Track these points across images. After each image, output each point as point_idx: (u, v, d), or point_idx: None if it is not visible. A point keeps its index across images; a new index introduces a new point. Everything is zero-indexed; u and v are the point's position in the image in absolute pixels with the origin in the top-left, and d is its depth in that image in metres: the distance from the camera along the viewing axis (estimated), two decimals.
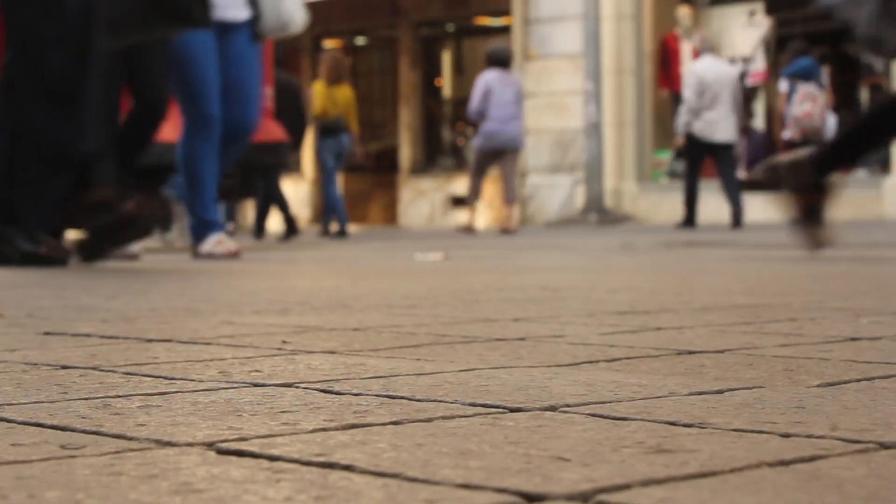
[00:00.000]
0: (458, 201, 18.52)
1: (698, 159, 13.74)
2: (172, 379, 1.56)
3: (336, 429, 1.17)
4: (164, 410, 1.29)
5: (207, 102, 6.36)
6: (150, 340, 2.05)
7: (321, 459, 1.01)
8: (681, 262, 5.50)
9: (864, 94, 17.48)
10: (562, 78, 18.11)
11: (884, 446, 1.06)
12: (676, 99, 15.33)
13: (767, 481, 0.92)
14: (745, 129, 17.11)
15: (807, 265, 4.99)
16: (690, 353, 1.81)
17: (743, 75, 17.82)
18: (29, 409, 1.31)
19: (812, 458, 1.00)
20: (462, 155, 19.64)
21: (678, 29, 17.86)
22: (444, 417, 1.23)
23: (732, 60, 17.71)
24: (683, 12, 17.76)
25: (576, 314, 2.52)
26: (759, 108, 17.94)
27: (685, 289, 3.40)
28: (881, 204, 15.76)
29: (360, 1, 21.08)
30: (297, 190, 19.72)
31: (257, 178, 11.04)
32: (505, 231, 13.32)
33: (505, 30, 19.39)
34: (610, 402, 1.32)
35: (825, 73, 15.15)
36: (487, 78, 13.43)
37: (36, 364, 1.73)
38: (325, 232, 13.60)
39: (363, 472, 0.96)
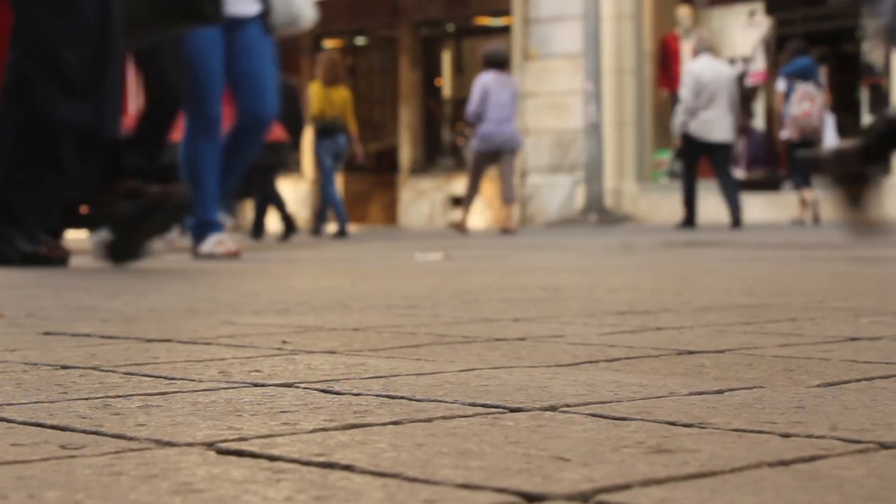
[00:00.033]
0: (458, 201, 18.52)
1: (695, 159, 13.75)
2: (172, 379, 1.56)
3: (336, 429, 1.17)
4: (164, 410, 1.29)
5: (210, 103, 6.36)
6: (150, 340, 2.05)
7: (321, 459, 1.01)
8: (681, 262, 5.50)
9: (864, 94, 17.48)
10: (562, 78, 18.11)
11: (884, 446, 1.06)
12: (676, 99, 15.33)
13: (767, 481, 0.92)
14: (745, 129, 17.13)
15: (807, 265, 4.99)
16: (690, 353, 1.81)
17: (743, 75, 17.83)
18: (29, 409, 1.31)
19: (812, 458, 1.00)
20: (462, 155, 19.63)
21: (678, 29, 17.87)
22: (444, 417, 1.23)
23: (732, 60, 17.72)
24: (683, 12, 17.76)
25: (576, 314, 2.52)
26: (759, 108, 17.95)
27: (685, 289, 3.40)
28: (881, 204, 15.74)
29: (360, 1, 21.09)
30: (296, 190, 19.72)
31: (258, 177, 11.05)
32: (505, 231, 13.33)
33: (505, 30, 19.40)
34: (610, 402, 1.32)
35: (823, 72, 15.15)
36: (485, 80, 13.48)
37: (36, 364, 1.73)
38: (316, 231, 13.61)
39: (363, 472, 0.96)
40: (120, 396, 1.40)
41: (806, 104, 13.95)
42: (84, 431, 1.17)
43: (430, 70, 21.74)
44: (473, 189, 13.74)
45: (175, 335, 2.13)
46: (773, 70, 17.12)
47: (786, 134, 14.21)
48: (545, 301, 2.90)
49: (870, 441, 1.08)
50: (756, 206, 16.17)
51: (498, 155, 13.48)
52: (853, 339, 1.97)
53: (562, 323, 2.32)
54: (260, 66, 6.62)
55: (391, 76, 22.03)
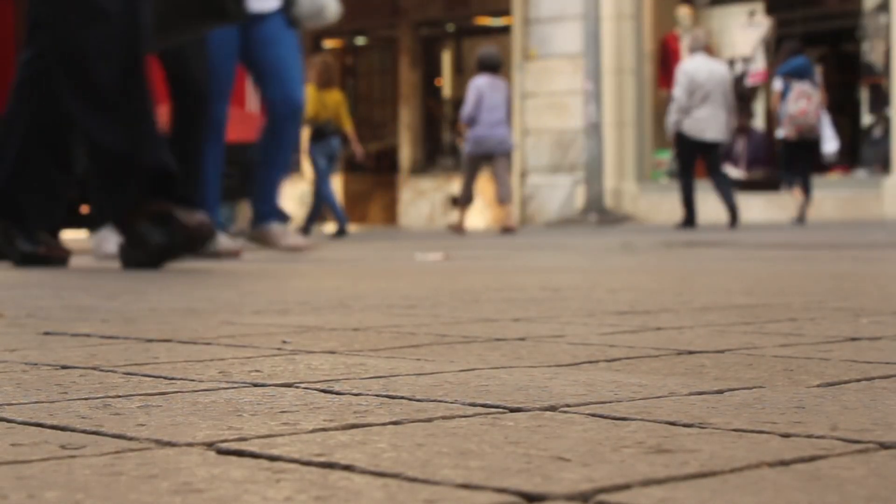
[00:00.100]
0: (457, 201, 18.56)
1: (690, 158, 13.76)
2: (172, 379, 1.56)
3: (336, 429, 1.17)
4: (164, 410, 1.29)
5: (217, 105, 6.36)
6: (150, 340, 2.05)
7: (321, 459, 1.01)
8: (681, 262, 5.50)
9: (864, 94, 17.48)
10: (562, 78, 18.11)
11: (884, 446, 1.06)
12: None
13: (767, 481, 0.92)
14: (745, 129, 17.13)
15: (807, 265, 4.99)
16: (690, 353, 1.81)
17: (743, 75, 17.83)
18: (29, 409, 1.31)
19: (812, 458, 1.00)
20: (461, 155, 19.66)
21: (678, 29, 17.87)
22: (444, 417, 1.23)
23: (732, 60, 17.72)
24: (683, 12, 17.77)
25: (576, 314, 2.52)
26: (759, 108, 17.95)
27: (685, 289, 3.40)
28: (881, 204, 15.76)
29: (360, 1, 21.09)
30: (295, 189, 19.73)
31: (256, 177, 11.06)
32: (506, 230, 13.35)
33: (505, 30, 19.40)
34: (610, 402, 1.32)
35: (818, 72, 15.16)
36: (478, 83, 13.57)
37: (36, 364, 1.73)
38: (306, 231, 13.63)
39: (363, 472, 0.96)
40: (120, 396, 1.40)
41: (803, 102, 13.95)
42: (84, 431, 1.17)
43: (430, 70, 21.74)
44: (468, 190, 13.81)
45: (175, 335, 2.13)
46: (772, 70, 17.13)
47: (782, 132, 14.21)
48: (545, 301, 2.90)
49: (870, 441, 1.08)
50: (756, 206, 16.17)
51: (491, 157, 13.55)
52: (853, 339, 1.97)
53: (562, 323, 2.32)
54: (283, 54, 6.61)
55: (391, 76, 22.02)
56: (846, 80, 17.80)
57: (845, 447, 1.05)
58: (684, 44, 16.63)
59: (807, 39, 16.90)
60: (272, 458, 1.02)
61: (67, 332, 2.21)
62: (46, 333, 2.19)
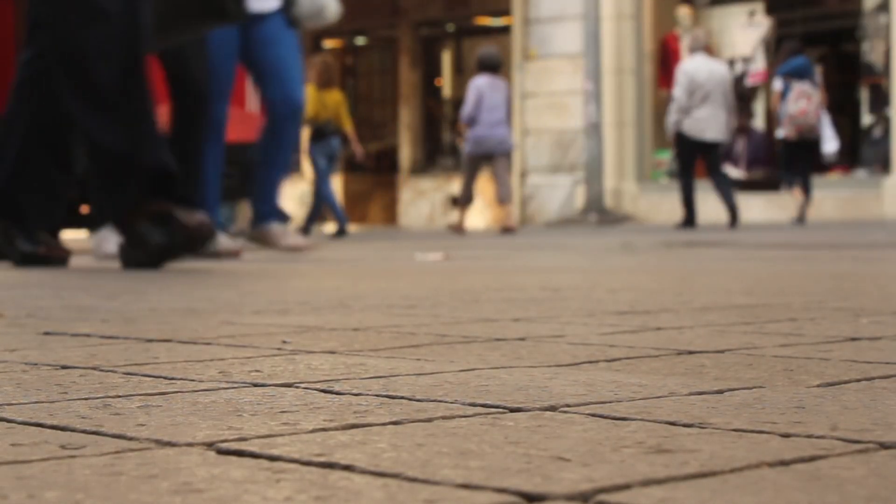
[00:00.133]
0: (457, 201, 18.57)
1: (690, 158, 13.78)
2: (172, 379, 1.56)
3: (336, 429, 1.17)
4: (164, 410, 1.29)
5: (217, 105, 6.36)
6: (150, 340, 2.05)
7: (321, 459, 1.01)
8: (681, 262, 5.50)
9: (864, 94, 17.49)
10: (562, 78, 18.11)
11: (884, 446, 1.06)
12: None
13: (767, 481, 0.92)
14: (745, 129, 17.14)
15: (807, 265, 4.99)
16: (690, 353, 1.81)
17: (743, 75, 17.83)
18: (29, 409, 1.31)
19: (812, 458, 1.00)
20: (461, 155, 19.67)
21: (678, 29, 17.87)
22: (444, 417, 1.23)
23: (732, 61, 17.72)
24: (683, 12, 17.77)
25: (576, 314, 2.52)
26: (759, 108, 17.95)
27: (685, 289, 3.40)
28: (881, 204, 15.76)
29: (360, 1, 21.09)
30: (295, 190, 19.73)
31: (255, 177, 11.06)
32: (506, 230, 13.36)
33: (505, 30, 19.41)
34: (610, 402, 1.32)
35: (818, 72, 15.17)
36: (478, 83, 13.59)
37: (36, 364, 1.73)
38: (306, 231, 13.64)
39: (363, 472, 0.96)
40: (120, 396, 1.40)
41: (803, 102, 13.96)
42: (84, 431, 1.17)
43: (430, 70, 21.74)
44: (468, 190, 13.82)
45: (175, 335, 2.13)
46: (772, 70, 17.14)
47: (782, 132, 14.21)
48: (545, 301, 2.90)
49: (870, 441, 1.08)
50: (756, 206, 16.18)
51: (491, 157, 13.56)
52: (853, 339, 1.97)
53: (562, 323, 2.32)
54: (283, 54, 6.60)
55: (391, 76, 22.02)
56: (846, 80, 17.80)
57: (845, 447, 1.05)
58: (684, 44, 16.64)
59: (807, 39, 16.89)
60: (272, 458, 1.02)
61: (67, 332, 2.21)
62: (46, 333, 2.19)
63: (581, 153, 17.43)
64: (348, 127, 14.11)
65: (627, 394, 1.38)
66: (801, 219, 14.06)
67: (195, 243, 4.75)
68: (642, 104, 18.02)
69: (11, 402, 1.37)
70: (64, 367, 1.69)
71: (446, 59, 21.74)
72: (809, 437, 1.10)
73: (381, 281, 4.09)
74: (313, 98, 13.59)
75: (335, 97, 13.97)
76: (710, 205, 14.70)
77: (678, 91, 13.73)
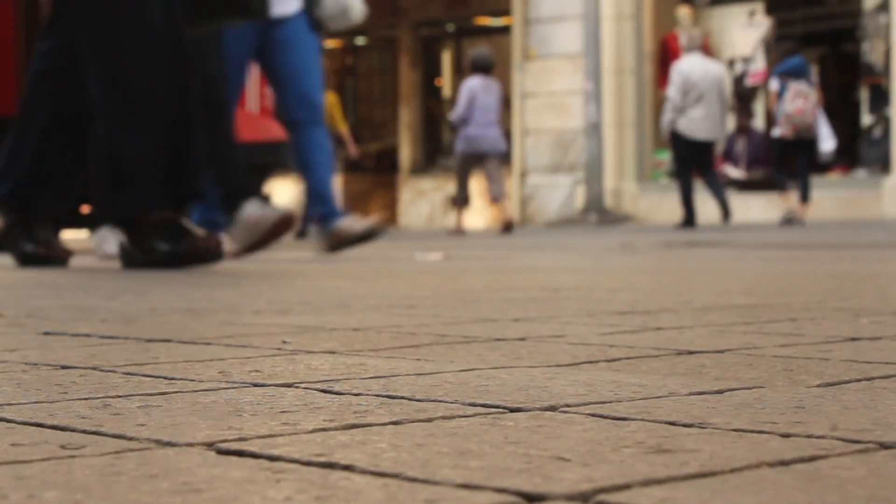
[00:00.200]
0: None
1: (686, 157, 13.81)
2: (172, 379, 1.56)
3: (336, 429, 1.17)
4: (164, 410, 1.29)
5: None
6: (150, 340, 2.05)
7: (321, 459, 1.01)
8: (681, 262, 5.50)
9: (864, 94, 17.49)
10: (562, 78, 18.11)
11: (884, 446, 1.06)
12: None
13: (767, 481, 0.92)
14: (745, 129, 17.14)
15: (807, 265, 4.99)
16: (690, 353, 1.81)
17: (743, 75, 17.83)
18: (29, 409, 1.31)
19: (812, 458, 1.00)
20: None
21: (678, 29, 17.87)
22: (444, 417, 1.23)
23: (732, 61, 17.72)
24: (683, 12, 17.77)
25: (576, 314, 2.52)
26: (759, 108, 17.96)
27: (685, 289, 3.40)
28: (881, 204, 15.76)
29: None
30: (293, 190, 19.76)
31: (258, 177, 11.06)
32: (506, 225, 13.39)
33: (505, 30, 19.41)
34: (610, 402, 1.32)
35: (814, 71, 15.18)
36: (471, 84, 13.62)
37: (36, 364, 1.73)
38: (302, 233, 13.65)
39: (363, 472, 0.96)
40: (120, 396, 1.40)
41: (799, 102, 13.98)
42: (84, 431, 1.17)
43: (430, 70, 21.74)
44: (463, 190, 13.85)
45: (175, 335, 2.13)
46: (772, 70, 17.17)
47: (778, 131, 14.23)
48: (545, 301, 2.90)
49: (870, 441, 1.08)
50: (756, 206, 16.18)
51: (483, 158, 13.59)
52: (853, 339, 1.97)
53: (562, 323, 2.32)
54: (302, 57, 6.58)
55: (391, 76, 22.03)
56: (846, 80, 17.80)
57: (845, 447, 1.05)
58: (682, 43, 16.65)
59: (807, 39, 16.89)
60: (272, 458, 1.02)
61: (67, 332, 2.21)
62: (46, 333, 2.19)
63: (581, 153, 17.43)
64: (343, 129, 14.14)
65: (627, 394, 1.38)
66: (788, 221, 14.07)
67: (199, 261, 4.74)
68: (642, 104, 18.02)
69: (11, 402, 1.37)
70: (64, 367, 1.69)
71: (446, 59, 21.75)
72: (809, 437, 1.10)
73: (381, 281, 4.09)
74: None
75: (329, 99, 14.01)
76: (709, 205, 14.71)
77: (672, 90, 13.77)
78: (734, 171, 16.90)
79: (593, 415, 1.24)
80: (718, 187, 13.81)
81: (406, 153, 21.19)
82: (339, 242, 6.55)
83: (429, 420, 1.22)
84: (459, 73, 21.21)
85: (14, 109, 8.76)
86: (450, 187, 19.86)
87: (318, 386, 1.47)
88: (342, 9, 6.77)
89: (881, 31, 16.81)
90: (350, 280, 4.10)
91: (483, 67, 13.75)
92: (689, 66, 13.76)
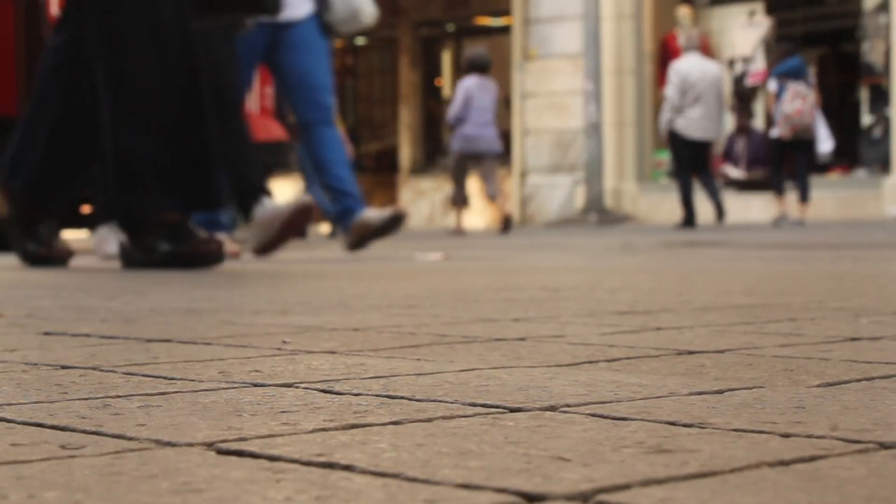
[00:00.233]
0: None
1: (685, 157, 13.83)
2: (172, 379, 1.56)
3: (336, 429, 1.17)
4: (164, 410, 1.29)
5: None
6: (150, 340, 2.05)
7: (321, 459, 1.01)
8: (681, 262, 5.51)
9: (864, 94, 17.49)
10: (562, 78, 18.12)
11: (884, 446, 1.06)
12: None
13: (767, 481, 0.92)
14: (745, 129, 17.14)
15: (807, 265, 4.99)
16: (690, 353, 1.81)
17: (743, 75, 17.83)
18: (29, 409, 1.31)
19: (812, 458, 1.00)
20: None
21: (678, 29, 17.88)
22: (444, 417, 1.23)
23: (732, 61, 17.72)
24: (683, 12, 17.78)
25: (576, 314, 2.52)
26: (759, 108, 17.96)
27: (685, 289, 3.40)
28: (881, 204, 15.76)
29: None
30: (292, 190, 19.75)
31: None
32: (505, 221, 13.42)
33: (505, 30, 19.41)
34: (610, 402, 1.32)
35: (812, 73, 15.20)
36: (467, 84, 13.63)
37: (36, 364, 1.73)
38: (301, 234, 13.66)
39: (363, 472, 0.96)
40: (120, 396, 1.40)
41: (798, 102, 14.00)
42: (84, 431, 1.17)
43: (430, 70, 21.74)
44: (461, 189, 13.86)
45: (175, 335, 2.13)
46: (770, 71, 17.18)
47: (777, 132, 14.24)
48: (545, 301, 2.90)
49: (870, 441, 1.08)
50: (756, 206, 16.18)
51: (478, 158, 13.60)
52: (853, 339, 1.97)
53: (562, 323, 2.32)
54: (310, 59, 6.59)
55: (391, 76, 22.02)
56: (846, 80, 17.80)
57: (845, 447, 1.05)
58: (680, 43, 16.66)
59: (807, 39, 16.89)
60: (272, 458, 1.02)
61: (67, 332, 2.21)
62: (46, 333, 2.19)
63: (581, 153, 17.43)
64: (339, 128, 14.16)
65: (627, 394, 1.38)
66: (777, 223, 14.11)
67: (201, 262, 4.73)
68: (642, 104, 18.02)
69: (11, 402, 1.37)
70: (64, 367, 1.69)
71: (446, 59, 21.75)
72: (809, 437, 1.10)
73: (381, 281, 4.09)
74: None
75: None
76: (709, 205, 14.72)
77: (670, 90, 13.79)
78: (734, 171, 16.90)
79: (593, 415, 1.24)
80: (714, 188, 13.89)
81: (406, 153, 21.19)
82: (363, 236, 6.55)
83: (429, 420, 1.22)
84: (459, 73, 21.21)
85: (14, 109, 8.75)
86: (450, 187, 19.88)
87: (318, 386, 1.47)
88: (353, 12, 6.78)
89: (881, 31, 16.81)
90: (350, 280, 4.10)
91: (479, 67, 13.74)
92: (686, 66, 13.77)
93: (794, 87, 14.05)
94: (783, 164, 14.43)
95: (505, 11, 19.30)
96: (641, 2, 17.89)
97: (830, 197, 16.02)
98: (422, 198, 20.52)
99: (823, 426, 1.16)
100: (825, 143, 14.44)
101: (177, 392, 1.43)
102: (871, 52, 17.06)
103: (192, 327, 2.29)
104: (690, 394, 1.38)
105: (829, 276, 4.09)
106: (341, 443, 1.09)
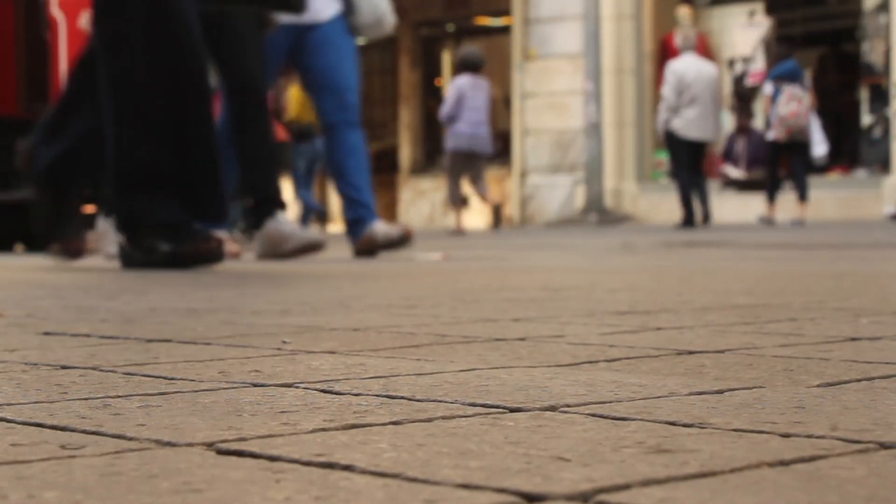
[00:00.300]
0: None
1: (682, 156, 13.85)
2: (172, 379, 1.56)
3: (336, 429, 1.17)
4: (164, 410, 1.29)
5: None
6: (150, 340, 2.05)
7: (321, 459, 1.01)
8: (681, 262, 5.51)
9: (864, 94, 17.49)
10: (562, 78, 18.12)
11: (884, 446, 1.06)
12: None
13: (767, 481, 0.92)
14: (745, 129, 17.15)
15: (807, 265, 4.99)
16: (690, 353, 1.81)
17: (743, 75, 17.83)
18: (29, 409, 1.31)
19: (812, 458, 1.00)
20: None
21: (678, 29, 17.88)
22: (444, 417, 1.23)
23: (732, 60, 17.72)
24: (683, 12, 17.78)
25: (576, 314, 2.52)
26: (759, 107, 17.96)
27: (685, 289, 3.40)
28: (881, 204, 15.77)
29: None
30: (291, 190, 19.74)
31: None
32: (496, 210, 13.51)
33: (505, 30, 19.41)
34: (610, 402, 1.32)
35: (808, 75, 15.22)
36: (460, 83, 13.64)
37: (36, 364, 1.73)
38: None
39: (363, 472, 0.96)
40: (120, 396, 1.40)
41: (793, 105, 14.02)
42: (84, 431, 1.17)
43: (430, 70, 21.74)
44: (457, 188, 13.87)
45: (175, 335, 2.13)
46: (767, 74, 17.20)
47: (772, 134, 14.26)
48: (545, 301, 2.90)
49: (870, 441, 1.08)
50: (756, 206, 16.19)
51: (472, 157, 13.61)
52: (853, 339, 1.97)
53: (562, 323, 2.32)
54: (336, 59, 6.59)
55: (391, 76, 22.02)
56: (846, 80, 17.80)
57: (845, 447, 1.05)
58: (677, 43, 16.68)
59: (807, 39, 16.89)
60: (272, 458, 1.02)
61: (67, 332, 2.21)
62: (46, 333, 2.19)
63: (581, 153, 17.43)
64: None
65: (627, 394, 1.38)
66: (768, 221, 14.15)
67: (201, 262, 4.73)
68: (642, 104, 18.02)
69: (11, 402, 1.37)
70: (64, 367, 1.69)
71: (446, 59, 21.75)
72: (809, 437, 1.10)
73: (381, 281, 4.09)
74: (297, 100, 13.61)
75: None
76: (709, 205, 14.73)
77: (667, 90, 13.82)
78: (734, 171, 16.91)
79: (593, 415, 1.24)
80: (704, 191, 13.98)
81: (406, 153, 21.19)
82: (369, 247, 6.56)
83: (429, 420, 1.22)
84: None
85: (14, 109, 8.74)
86: None
87: (318, 386, 1.47)
88: (377, 18, 6.79)
89: (881, 31, 16.81)
90: (350, 280, 4.10)
91: (472, 66, 13.75)
92: (683, 66, 13.79)
93: (789, 90, 14.07)
94: (779, 166, 14.46)
95: (505, 11, 19.30)
96: (641, 2, 17.89)
97: (830, 197, 16.02)
98: (422, 198, 20.51)
99: (823, 426, 1.16)
100: (819, 147, 14.47)
101: (177, 392, 1.43)
102: (871, 52, 17.06)
103: (192, 327, 2.29)
104: (690, 394, 1.38)
105: (829, 276, 4.09)
106: (341, 443, 1.09)
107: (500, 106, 18.63)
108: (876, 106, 17.21)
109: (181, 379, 1.56)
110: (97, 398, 1.39)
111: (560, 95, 18.11)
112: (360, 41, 6.97)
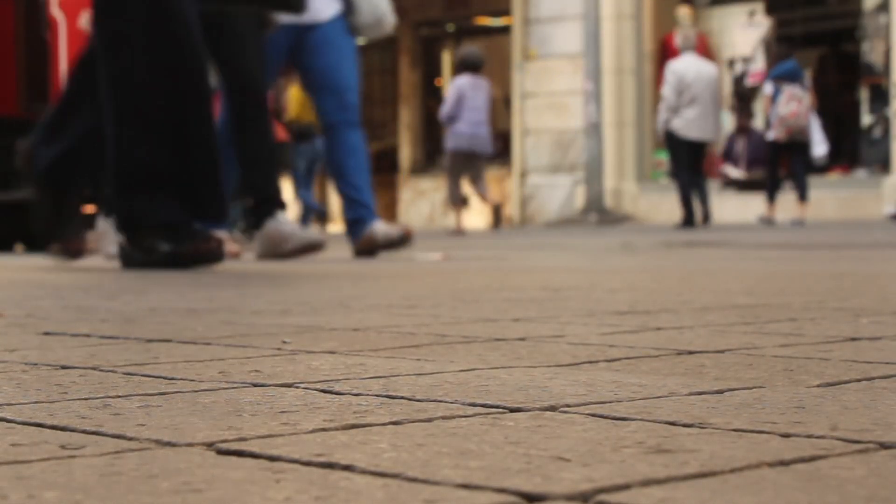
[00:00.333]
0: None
1: (682, 156, 13.85)
2: (172, 379, 1.56)
3: (336, 429, 1.17)
4: (164, 410, 1.29)
5: None
6: (150, 340, 2.05)
7: (321, 459, 1.01)
8: (681, 262, 5.50)
9: (864, 94, 17.49)
10: (562, 78, 18.12)
11: (884, 446, 1.06)
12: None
13: (767, 481, 0.92)
14: (745, 129, 17.15)
15: (807, 265, 4.99)
16: (690, 353, 1.81)
17: (743, 75, 17.83)
18: (29, 409, 1.31)
19: (812, 458, 1.00)
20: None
21: (678, 29, 17.88)
22: (444, 417, 1.23)
23: (732, 60, 17.72)
24: (683, 12, 17.78)
25: (576, 314, 2.52)
26: (759, 107, 17.96)
27: (685, 289, 3.40)
28: (881, 204, 15.77)
29: None
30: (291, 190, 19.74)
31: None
32: (496, 209, 13.51)
33: (505, 30, 19.41)
34: (610, 402, 1.32)
35: (808, 75, 15.23)
36: (460, 83, 13.64)
37: (36, 364, 1.73)
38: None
39: (363, 472, 0.96)
40: (120, 396, 1.40)
41: (793, 105, 14.03)
42: (84, 431, 1.17)
43: (430, 70, 21.75)
44: (457, 188, 13.88)
45: (175, 335, 2.13)
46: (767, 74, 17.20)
47: (772, 134, 14.27)
48: (545, 301, 2.90)
49: (870, 441, 1.08)
50: (756, 206, 16.19)
51: (472, 157, 13.61)
52: (853, 339, 1.97)
53: (562, 323, 2.32)
54: (337, 59, 6.59)
55: (391, 76, 22.02)
56: (846, 80, 17.80)
57: (845, 447, 1.05)
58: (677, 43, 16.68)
59: (807, 39, 16.89)
60: (272, 458, 1.02)
61: (67, 332, 2.21)
62: (46, 333, 2.19)
63: (581, 153, 17.43)
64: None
65: (627, 394, 1.38)
66: (768, 221, 14.16)
67: (201, 262, 4.73)
68: (642, 104, 18.02)
69: (11, 402, 1.37)
70: (64, 367, 1.69)
71: (446, 59, 21.75)
72: (809, 437, 1.10)
73: (381, 281, 4.09)
74: (297, 99, 13.60)
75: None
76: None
77: (667, 90, 13.82)
78: (734, 171, 16.91)
79: (593, 415, 1.24)
80: (704, 191, 13.98)
81: (406, 153, 21.19)
82: (369, 247, 6.56)
83: (429, 420, 1.22)
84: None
85: (14, 109, 8.75)
86: None
87: (318, 386, 1.47)
88: (377, 18, 6.79)
89: (881, 31, 16.81)
90: (350, 280, 4.10)
91: (472, 66, 13.75)
92: (683, 66, 13.79)
93: (789, 90, 14.07)
94: (779, 166, 14.46)
95: (505, 11, 19.30)
96: (641, 2, 17.89)
97: (830, 197, 16.02)
98: (422, 198, 20.51)
99: (823, 426, 1.16)
100: (819, 147, 14.47)
101: (177, 392, 1.43)
102: (871, 52, 17.06)
103: (192, 327, 2.29)
104: (690, 394, 1.38)
105: (829, 276, 4.09)
106: (341, 443, 1.09)
107: (500, 106, 18.63)
108: (876, 106, 17.21)
109: (181, 379, 1.56)
110: (97, 398, 1.39)
111: (560, 95, 18.11)
112: (360, 41, 6.94)
